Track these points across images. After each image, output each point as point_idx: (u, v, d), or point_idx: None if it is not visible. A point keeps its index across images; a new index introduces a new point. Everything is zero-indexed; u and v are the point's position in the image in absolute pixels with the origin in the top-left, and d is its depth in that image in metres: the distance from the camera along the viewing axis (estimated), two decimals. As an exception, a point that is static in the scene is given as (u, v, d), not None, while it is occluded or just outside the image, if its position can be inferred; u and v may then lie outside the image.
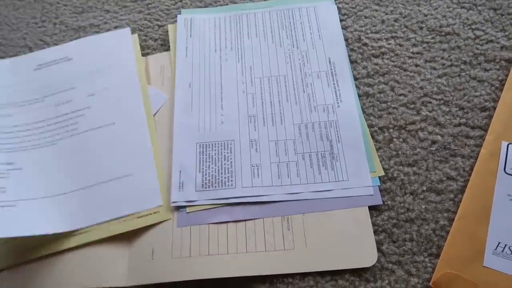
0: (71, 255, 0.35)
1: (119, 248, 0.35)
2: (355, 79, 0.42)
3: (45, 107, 0.43)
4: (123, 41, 0.47)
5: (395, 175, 0.37)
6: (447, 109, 0.40)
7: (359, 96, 0.41)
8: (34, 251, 0.35)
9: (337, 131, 0.39)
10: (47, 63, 0.46)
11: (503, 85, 0.40)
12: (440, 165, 0.37)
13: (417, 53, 0.43)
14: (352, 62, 0.44)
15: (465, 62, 0.42)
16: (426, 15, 0.45)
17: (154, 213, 0.36)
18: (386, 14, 0.46)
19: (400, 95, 0.41)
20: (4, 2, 0.54)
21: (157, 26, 0.49)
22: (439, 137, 0.38)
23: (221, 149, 0.39)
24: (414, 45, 0.44)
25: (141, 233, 0.36)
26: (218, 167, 0.38)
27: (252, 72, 0.44)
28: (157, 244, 0.35)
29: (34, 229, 0.35)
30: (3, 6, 0.54)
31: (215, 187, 0.37)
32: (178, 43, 0.46)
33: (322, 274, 0.33)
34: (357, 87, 0.42)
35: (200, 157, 0.39)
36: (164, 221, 0.36)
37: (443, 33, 0.44)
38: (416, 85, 0.41)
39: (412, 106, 0.40)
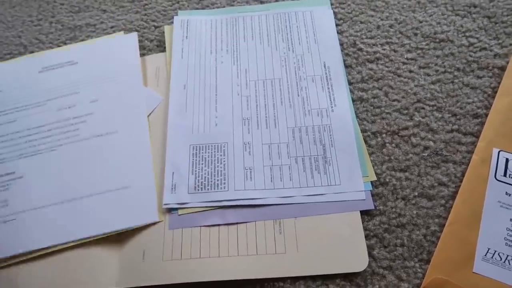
0: (60, 256, 0.35)
1: (110, 250, 0.35)
2: (350, 83, 0.43)
3: (47, 111, 0.42)
4: (130, 47, 0.46)
5: (387, 180, 0.37)
6: (440, 115, 0.40)
7: (353, 100, 0.42)
8: (21, 254, 0.35)
9: (330, 135, 0.39)
10: (52, 66, 0.46)
11: (496, 92, 0.40)
12: (432, 171, 0.37)
13: (411, 59, 0.43)
14: (347, 66, 0.44)
15: (458, 69, 0.42)
16: (421, 22, 0.46)
17: (146, 214, 0.36)
18: (382, 19, 0.47)
19: (394, 100, 0.41)
20: (0, 0, 0.54)
21: (153, 27, 0.49)
22: (431, 143, 0.38)
23: (215, 152, 0.39)
24: (409, 51, 0.44)
25: (132, 234, 0.36)
26: (211, 169, 0.38)
27: (247, 74, 0.44)
28: (148, 246, 0.35)
29: (32, 244, 0.35)
30: (-1, 4, 0.54)
31: (208, 189, 0.37)
32: (174, 44, 0.46)
33: (313, 278, 0.33)
34: (351, 91, 0.42)
35: (193, 159, 0.39)
36: (156, 223, 0.36)
37: (437, 40, 0.44)
38: (409, 91, 0.41)
39: (405, 111, 0.40)
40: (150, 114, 0.42)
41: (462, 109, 0.40)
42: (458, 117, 0.40)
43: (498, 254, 0.32)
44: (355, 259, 0.33)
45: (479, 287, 0.31)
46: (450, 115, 0.40)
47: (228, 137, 0.40)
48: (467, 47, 0.43)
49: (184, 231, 0.35)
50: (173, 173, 0.38)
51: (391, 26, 0.46)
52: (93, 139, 0.40)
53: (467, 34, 0.44)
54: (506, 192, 0.35)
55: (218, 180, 0.37)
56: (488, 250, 0.32)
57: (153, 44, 0.48)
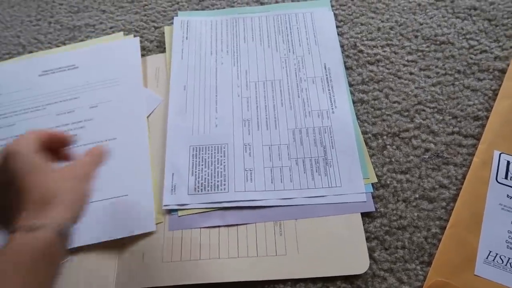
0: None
1: (109, 252, 0.35)
2: (350, 85, 0.43)
3: (47, 116, 0.42)
4: (131, 52, 0.46)
5: (388, 182, 0.37)
6: (441, 118, 0.40)
7: (354, 102, 0.41)
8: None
9: (331, 137, 0.39)
10: (52, 69, 0.45)
11: (496, 94, 0.40)
12: (432, 173, 0.37)
13: (412, 61, 0.43)
14: (347, 68, 0.44)
15: (459, 71, 0.42)
16: (421, 24, 0.46)
17: (146, 216, 0.36)
18: (382, 21, 0.47)
19: (394, 102, 0.41)
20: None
21: (153, 28, 0.49)
22: (432, 145, 0.38)
23: (215, 153, 0.39)
24: (409, 53, 0.44)
25: (131, 236, 0.35)
26: (211, 170, 0.38)
27: (248, 76, 0.44)
28: (147, 248, 0.35)
29: None
30: (-2, 3, 0.53)
31: (208, 190, 0.37)
32: (174, 45, 0.46)
33: (313, 280, 0.33)
34: (351, 93, 0.42)
35: (193, 160, 0.38)
36: (155, 224, 0.36)
37: (438, 42, 0.44)
38: (410, 93, 0.41)
39: (406, 113, 0.40)
40: (149, 115, 0.42)
41: (462, 111, 0.40)
42: (458, 119, 0.40)
43: (500, 257, 0.32)
44: (356, 261, 0.33)
45: (480, 290, 0.31)
46: (450, 117, 0.40)
47: (228, 138, 0.39)
48: (468, 50, 0.43)
49: (184, 232, 0.35)
50: (173, 174, 0.38)
51: (391, 28, 0.46)
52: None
53: (467, 36, 0.44)
54: (507, 195, 0.34)
55: (218, 182, 0.37)
56: (490, 253, 0.32)
57: (153, 44, 0.48)
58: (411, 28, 0.46)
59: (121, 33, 0.48)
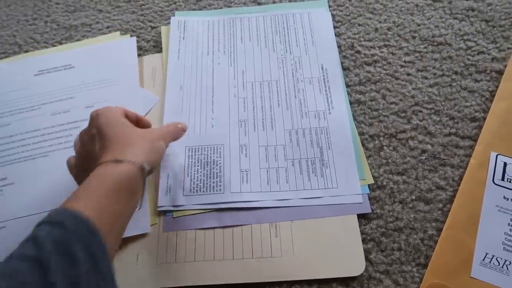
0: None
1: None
2: (347, 86, 0.42)
3: (42, 115, 0.42)
4: (128, 52, 0.45)
5: (385, 183, 0.37)
6: (438, 119, 0.40)
7: (351, 103, 0.41)
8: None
9: (327, 137, 0.39)
10: (48, 69, 0.45)
11: (493, 96, 0.40)
12: (429, 174, 0.37)
13: (409, 62, 0.43)
14: (344, 69, 0.44)
15: (456, 73, 0.42)
16: (419, 25, 0.46)
17: (140, 217, 0.35)
18: (380, 22, 0.46)
19: (392, 103, 0.41)
20: (-5, -1, 0.54)
21: (150, 28, 0.49)
22: (429, 146, 0.38)
23: (210, 153, 0.38)
24: (407, 54, 0.44)
25: (125, 237, 0.35)
26: (207, 171, 0.37)
27: (244, 76, 0.43)
28: (142, 249, 0.34)
29: None
30: (-6, 2, 0.53)
31: (203, 192, 0.36)
32: (170, 45, 0.46)
33: (309, 282, 0.33)
34: (349, 94, 0.42)
35: (188, 161, 0.38)
36: (150, 225, 0.35)
37: (435, 43, 0.44)
38: (407, 93, 0.41)
39: (403, 114, 0.40)
40: (146, 115, 0.42)
41: (460, 112, 0.40)
42: (456, 120, 0.39)
43: (496, 259, 0.32)
44: (352, 263, 0.33)
45: (477, 292, 0.31)
46: (447, 118, 0.40)
47: (224, 139, 0.39)
48: (465, 51, 0.43)
49: (178, 233, 0.35)
50: (168, 175, 0.37)
51: (389, 29, 0.46)
52: None
53: (465, 37, 0.44)
54: (504, 196, 0.34)
55: (213, 183, 0.37)
56: (486, 255, 0.32)
57: (149, 44, 0.47)
58: (408, 29, 0.45)
59: (118, 32, 0.48)
